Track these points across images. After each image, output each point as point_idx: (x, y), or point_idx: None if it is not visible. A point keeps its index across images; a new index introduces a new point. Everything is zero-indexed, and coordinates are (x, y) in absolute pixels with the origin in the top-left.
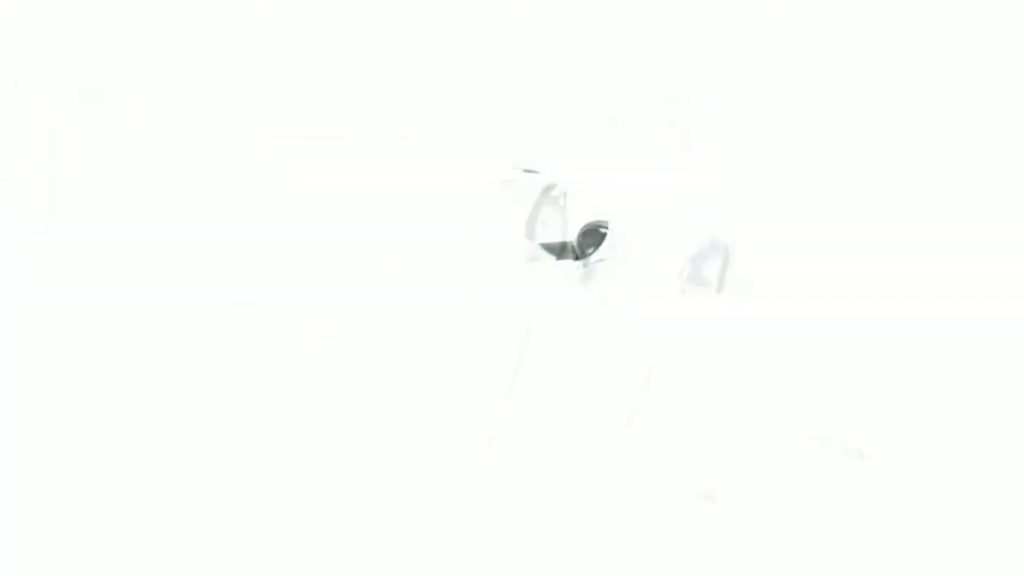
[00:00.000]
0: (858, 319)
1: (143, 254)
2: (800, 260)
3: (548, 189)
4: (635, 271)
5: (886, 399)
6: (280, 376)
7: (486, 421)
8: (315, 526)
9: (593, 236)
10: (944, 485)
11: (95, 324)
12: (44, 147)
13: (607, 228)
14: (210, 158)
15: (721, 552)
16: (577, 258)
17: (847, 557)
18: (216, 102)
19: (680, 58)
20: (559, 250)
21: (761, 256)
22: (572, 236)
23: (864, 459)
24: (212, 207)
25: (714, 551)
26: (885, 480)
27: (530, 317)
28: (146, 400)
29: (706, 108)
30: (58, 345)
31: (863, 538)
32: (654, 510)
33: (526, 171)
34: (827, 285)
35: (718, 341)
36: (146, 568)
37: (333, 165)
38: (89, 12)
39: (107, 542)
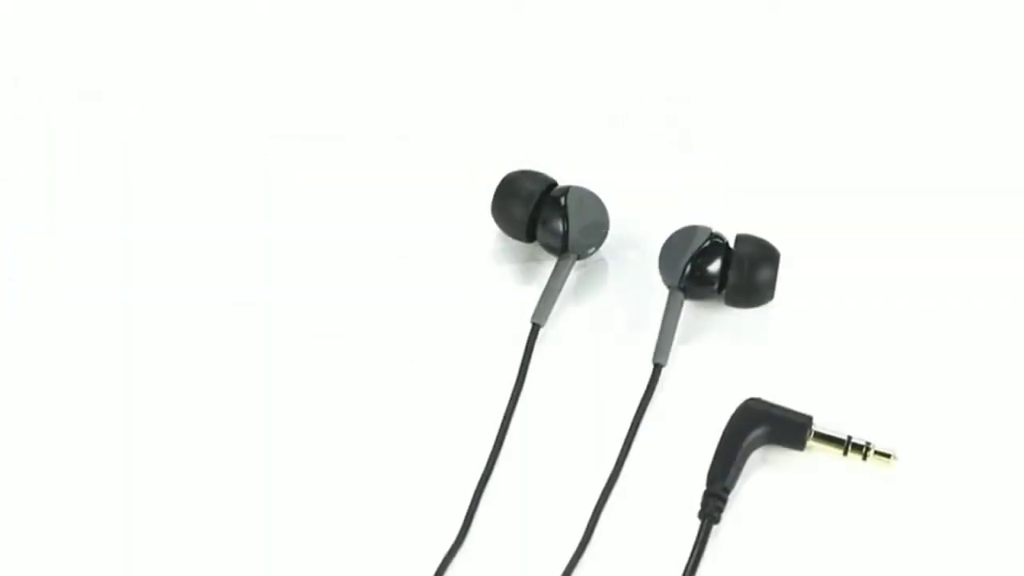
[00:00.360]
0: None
1: (143, 254)
2: (801, 260)
3: (548, 189)
4: (635, 271)
5: (894, 399)
6: (280, 376)
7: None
8: (315, 526)
9: (594, 236)
10: (959, 488)
11: (95, 324)
12: (44, 147)
13: (608, 228)
14: (210, 158)
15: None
16: (578, 258)
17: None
18: (216, 102)
19: (680, 58)
20: (560, 250)
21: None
22: (572, 236)
23: (892, 461)
24: (212, 207)
25: (725, 554)
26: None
27: (530, 318)
28: (146, 400)
29: (706, 108)
30: (58, 345)
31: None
32: (659, 513)
33: (526, 171)
34: (828, 285)
35: (722, 341)
36: (146, 567)
37: (333, 165)
38: (89, 12)
39: (106, 541)
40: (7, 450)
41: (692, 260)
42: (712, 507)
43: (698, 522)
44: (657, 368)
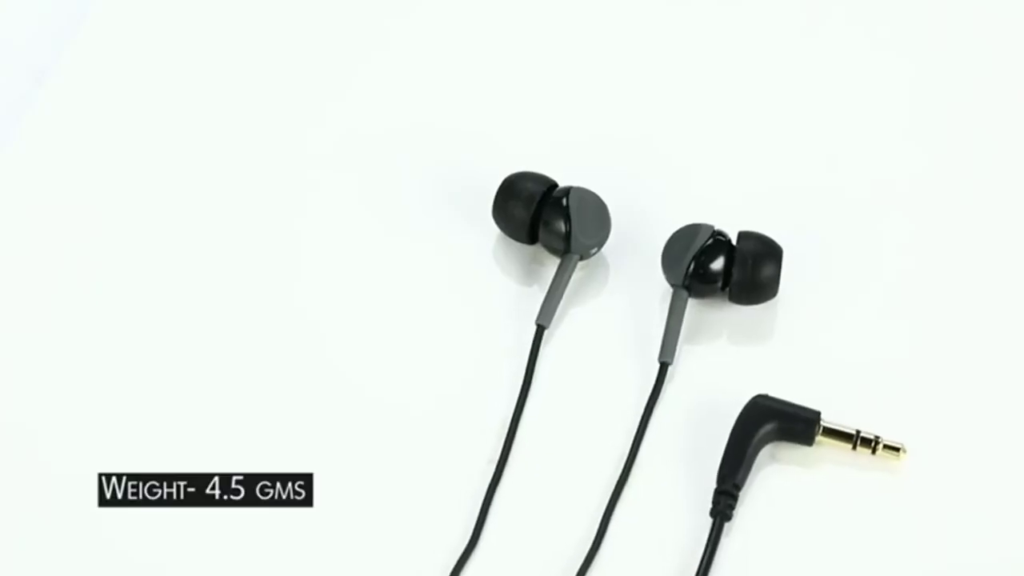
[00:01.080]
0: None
1: (143, 254)
2: (803, 256)
3: (549, 190)
4: (638, 270)
5: (900, 392)
6: (281, 379)
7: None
8: (322, 532)
9: (597, 236)
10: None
11: (95, 324)
12: (44, 147)
13: (610, 228)
14: (208, 160)
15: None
16: (581, 258)
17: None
18: (215, 102)
19: (680, 58)
20: (562, 251)
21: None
22: (575, 236)
23: (902, 454)
24: (210, 210)
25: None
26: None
27: (535, 320)
28: (146, 400)
29: (707, 107)
30: (57, 344)
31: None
32: (670, 512)
33: (526, 173)
34: (831, 280)
35: (727, 338)
36: (147, 568)
37: (333, 169)
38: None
39: (106, 541)
40: (8, 450)
41: (695, 258)
42: (724, 505)
43: (710, 520)
44: (663, 367)
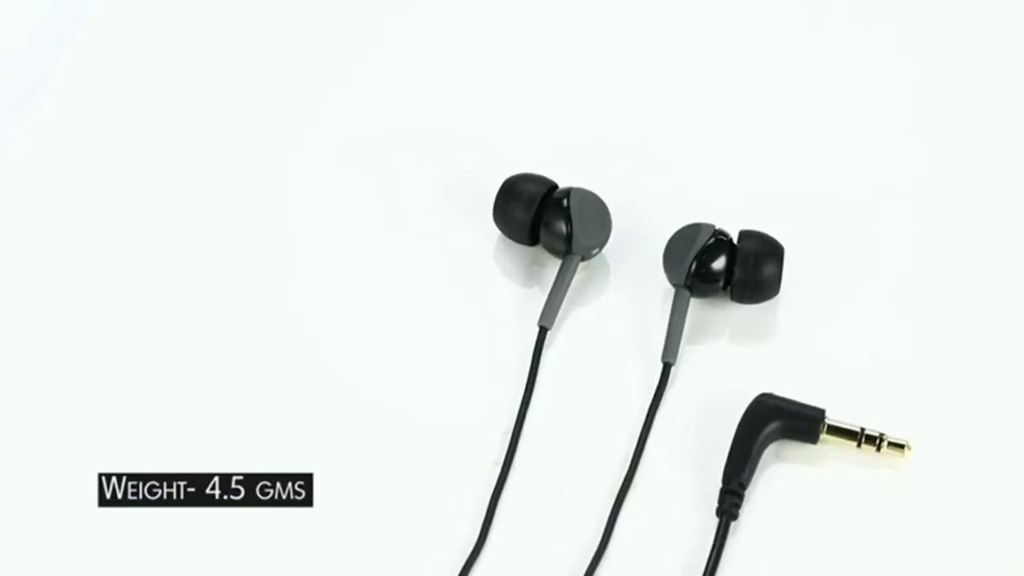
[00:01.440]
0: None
1: (143, 254)
2: (804, 254)
3: (550, 191)
4: (639, 270)
5: (903, 389)
6: (280, 376)
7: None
8: (326, 538)
9: (597, 237)
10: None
11: (95, 324)
12: (44, 147)
13: (611, 228)
14: (207, 161)
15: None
16: (582, 259)
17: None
18: (216, 103)
19: (680, 57)
20: (563, 252)
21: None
22: (576, 237)
23: (906, 451)
24: (210, 210)
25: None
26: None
27: (537, 321)
28: (146, 400)
29: (707, 106)
30: (57, 344)
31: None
32: (676, 512)
33: (527, 175)
34: (832, 277)
35: (729, 337)
36: (147, 568)
37: (334, 171)
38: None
39: (106, 541)
40: (8, 451)
41: (697, 258)
42: (730, 504)
43: (716, 519)
44: (667, 367)
